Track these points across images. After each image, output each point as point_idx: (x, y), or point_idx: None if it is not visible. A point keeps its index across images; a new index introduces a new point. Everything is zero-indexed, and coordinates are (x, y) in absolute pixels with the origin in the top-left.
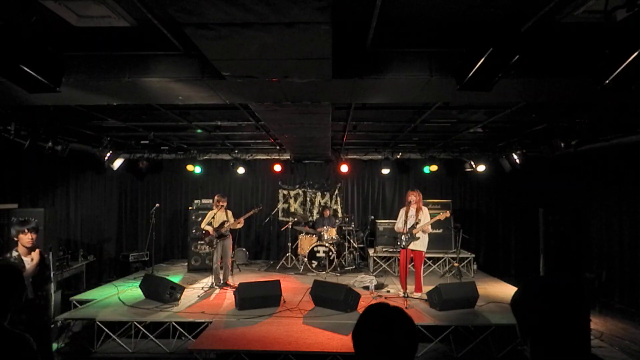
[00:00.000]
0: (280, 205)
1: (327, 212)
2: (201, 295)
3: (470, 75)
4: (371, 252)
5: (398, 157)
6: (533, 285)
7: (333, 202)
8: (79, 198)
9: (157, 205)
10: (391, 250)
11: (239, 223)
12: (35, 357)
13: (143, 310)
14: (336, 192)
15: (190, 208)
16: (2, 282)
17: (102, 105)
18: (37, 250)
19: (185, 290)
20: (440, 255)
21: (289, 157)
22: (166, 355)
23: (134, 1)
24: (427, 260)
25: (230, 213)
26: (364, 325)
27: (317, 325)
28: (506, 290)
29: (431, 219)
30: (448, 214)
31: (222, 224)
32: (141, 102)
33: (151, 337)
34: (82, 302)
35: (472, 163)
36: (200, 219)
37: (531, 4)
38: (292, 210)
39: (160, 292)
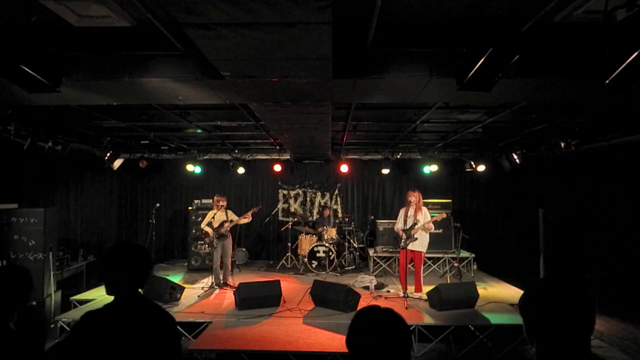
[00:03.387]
0: (280, 205)
1: (327, 212)
2: (201, 295)
3: (470, 75)
4: (371, 252)
5: (398, 157)
6: (540, 286)
7: (333, 202)
8: (79, 198)
9: (157, 205)
10: (391, 250)
11: (245, 218)
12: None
13: None
14: (336, 192)
15: (190, 208)
16: (9, 282)
17: (102, 106)
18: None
19: (185, 290)
20: (440, 255)
21: (289, 157)
22: None
23: (134, 1)
24: (427, 260)
25: (230, 212)
26: (355, 330)
27: (317, 325)
28: (506, 290)
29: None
30: (445, 215)
31: (222, 224)
32: (141, 102)
33: None
34: (82, 302)
35: (472, 163)
36: (200, 219)
37: (531, 4)
38: (292, 210)
39: (160, 292)
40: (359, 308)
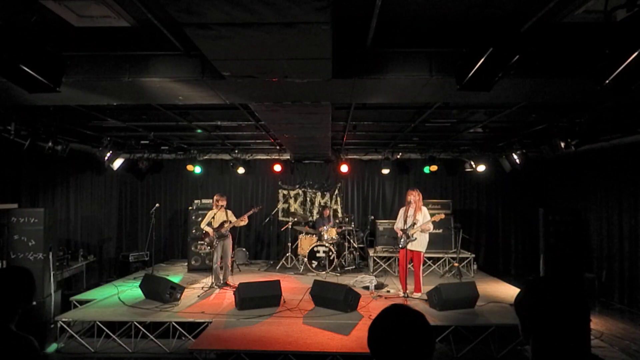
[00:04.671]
0: (280, 205)
1: (327, 212)
2: (201, 295)
3: (470, 75)
4: (371, 252)
5: (398, 157)
6: (536, 285)
7: (333, 202)
8: (79, 198)
9: (157, 205)
10: (391, 250)
11: (242, 220)
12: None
13: (143, 310)
14: (336, 192)
15: (190, 208)
16: (10, 284)
17: (102, 105)
18: None
19: (185, 290)
20: (440, 255)
21: (289, 157)
22: (166, 355)
23: (134, 1)
24: (427, 260)
25: (230, 212)
26: (382, 325)
27: (317, 325)
28: (506, 290)
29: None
30: (443, 215)
31: (222, 224)
32: (141, 102)
33: (151, 337)
34: (82, 302)
35: (472, 163)
36: (200, 219)
37: (531, 4)
38: (292, 210)
39: (160, 292)
40: (359, 308)
